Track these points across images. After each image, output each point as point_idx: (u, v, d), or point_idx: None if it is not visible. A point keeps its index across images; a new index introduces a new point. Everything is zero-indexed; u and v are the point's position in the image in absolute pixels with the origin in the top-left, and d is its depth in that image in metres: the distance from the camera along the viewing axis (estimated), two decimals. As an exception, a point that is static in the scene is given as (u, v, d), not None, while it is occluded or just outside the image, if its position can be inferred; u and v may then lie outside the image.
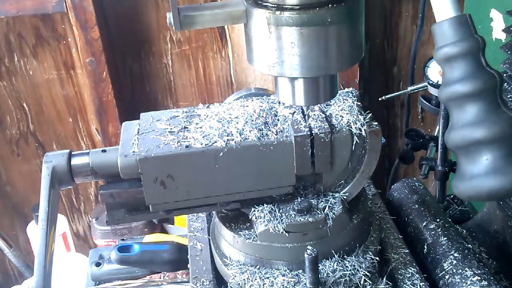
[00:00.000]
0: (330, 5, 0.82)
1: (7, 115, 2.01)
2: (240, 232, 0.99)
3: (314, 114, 0.97)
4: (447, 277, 1.01)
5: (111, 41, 1.90)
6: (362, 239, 1.01)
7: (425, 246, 1.09)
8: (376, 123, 0.96)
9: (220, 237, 1.04)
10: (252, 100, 1.06)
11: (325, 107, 1.00)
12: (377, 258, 1.00)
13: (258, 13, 0.85)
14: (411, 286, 0.99)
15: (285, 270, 0.96)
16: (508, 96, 1.16)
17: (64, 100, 2.00)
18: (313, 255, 0.88)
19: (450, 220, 1.16)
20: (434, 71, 1.54)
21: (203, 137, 0.95)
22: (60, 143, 2.08)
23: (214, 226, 1.08)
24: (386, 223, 1.13)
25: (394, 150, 2.21)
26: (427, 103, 1.62)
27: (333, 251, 0.96)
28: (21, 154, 2.09)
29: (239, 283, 0.97)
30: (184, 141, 0.94)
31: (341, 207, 0.96)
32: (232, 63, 2.00)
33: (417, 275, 1.01)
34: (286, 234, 0.95)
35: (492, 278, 0.99)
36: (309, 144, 0.93)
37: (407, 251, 1.06)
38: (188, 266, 1.07)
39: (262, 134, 0.95)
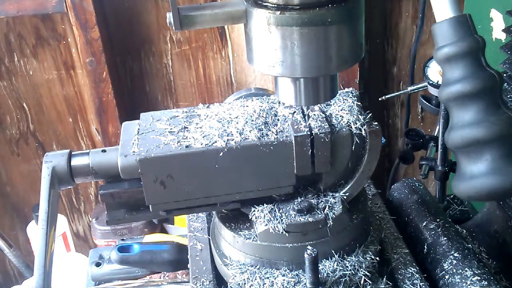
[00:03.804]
0: (330, 5, 0.82)
1: (7, 115, 2.01)
2: (240, 232, 0.99)
3: (314, 114, 0.97)
4: (447, 277, 1.01)
5: (111, 41, 1.90)
6: (362, 239, 1.01)
7: (425, 246, 1.09)
8: (376, 123, 0.96)
9: (220, 237, 1.04)
10: (252, 100, 1.06)
11: (325, 107, 1.00)
12: (377, 258, 1.00)
13: (258, 13, 0.85)
14: (411, 286, 0.99)
15: (285, 270, 0.96)
16: (508, 96, 1.16)
17: (64, 100, 2.01)
18: (313, 255, 0.88)
19: (450, 220, 1.16)
20: (434, 71, 1.54)
21: (203, 137, 0.95)
22: (60, 143, 2.08)
23: (214, 226, 1.08)
24: (386, 223, 1.13)
25: (394, 150, 2.21)
26: (427, 103, 1.62)
27: (333, 251, 0.96)
28: (21, 154, 2.09)
29: (239, 283, 0.97)
30: (184, 141, 0.94)
31: (341, 207, 0.96)
32: (232, 63, 2.00)
33: (417, 275, 1.01)
34: (286, 234, 0.94)
35: (492, 278, 0.99)
36: (309, 144, 0.93)
37: (407, 251, 1.06)
38: (188, 266, 1.07)
39: (262, 134, 0.95)
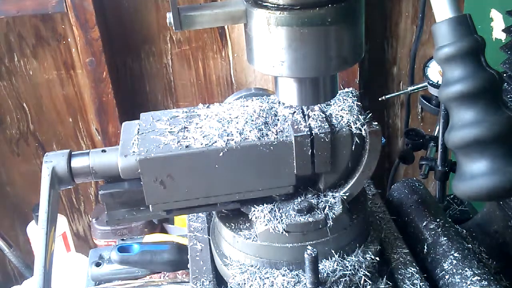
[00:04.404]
0: (330, 5, 0.82)
1: (7, 115, 2.01)
2: (240, 232, 0.99)
3: (314, 114, 0.97)
4: (447, 277, 1.01)
5: (111, 41, 1.90)
6: (362, 239, 1.01)
7: (425, 246, 1.09)
8: (376, 123, 0.96)
9: (220, 237, 1.04)
10: (252, 100, 1.06)
11: (325, 107, 1.00)
12: (377, 258, 1.00)
13: (258, 13, 0.85)
14: (411, 286, 0.99)
15: (285, 270, 0.96)
16: (508, 96, 1.16)
17: (64, 100, 2.01)
18: (313, 255, 0.88)
19: (450, 220, 1.16)
20: (434, 71, 1.54)
21: (203, 137, 0.95)
22: (60, 143, 2.08)
23: (214, 226, 1.08)
24: (386, 223, 1.13)
25: (394, 150, 2.21)
26: (427, 103, 1.62)
27: (333, 251, 0.96)
28: (21, 154, 2.09)
29: (239, 283, 0.97)
30: (184, 141, 0.94)
31: (341, 207, 0.96)
32: (232, 63, 2.00)
33: (417, 275, 1.01)
34: (286, 234, 0.94)
35: (492, 278, 0.99)
36: (309, 144, 0.93)
37: (407, 251, 1.06)
38: (188, 266, 1.07)
39: (262, 134, 0.95)
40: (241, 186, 0.96)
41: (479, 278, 0.98)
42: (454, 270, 1.01)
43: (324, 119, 0.96)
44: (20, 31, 1.88)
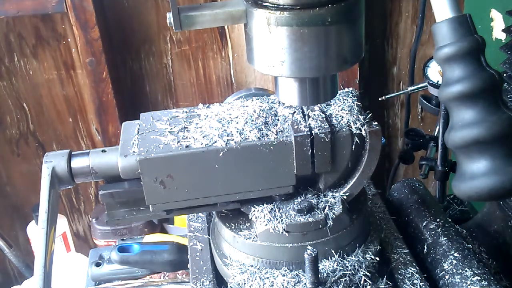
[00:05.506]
0: (330, 5, 0.82)
1: (7, 115, 2.01)
2: (240, 232, 0.99)
3: (314, 114, 0.97)
4: (447, 277, 1.01)
5: (111, 41, 1.90)
6: (362, 239, 1.01)
7: (425, 246, 1.10)
8: (376, 123, 0.96)
9: (220, 237, 1.04)
10: (252, 100, 1.06)
11: (325, 107, 1.00)
12: (377, 258, 1.00)
13: (258, 13, 0.85)
14: (411, 286, 0.99)
15: (285, 270, 0.96)
16: (508, 96, 1.16)
17: (64, 100, 2.00)
18: (313, 255, 0.88)
19: (450, 220, 1.16)
20: (434, 71, 1.54)
21: (203, 137, 0.95)
22: (60, 143, 2.08)
23: (214, 226, 1.08)
24: (386, 223, 1.13)
25: (394, 150, 2.21)
26: (427, 103, 1.62)
27: (333, 251, 0.96)
28: (21, 154, 2.09)
29: (239, 283, 0.97)
30: (184, 141, 0.94)
31: (341, 207, 0.96)
32: (232, 63, 2.00)
33: (417, 275, 1.01)
34: (286, 234, 0.95)
35: (492, 278, 0.99)
36: (309, 144, 0.93)
37: (407, 251, 1.06)
38: (188, 266, 1.07)
39: (262, 134, 0.95)
40: (241, 186, 0.96)
41: (479, 278, 0.98)
42: (454, 270, 1.01)
43: (324, 119, 0.96)
44: (20, 31, 1.88)
